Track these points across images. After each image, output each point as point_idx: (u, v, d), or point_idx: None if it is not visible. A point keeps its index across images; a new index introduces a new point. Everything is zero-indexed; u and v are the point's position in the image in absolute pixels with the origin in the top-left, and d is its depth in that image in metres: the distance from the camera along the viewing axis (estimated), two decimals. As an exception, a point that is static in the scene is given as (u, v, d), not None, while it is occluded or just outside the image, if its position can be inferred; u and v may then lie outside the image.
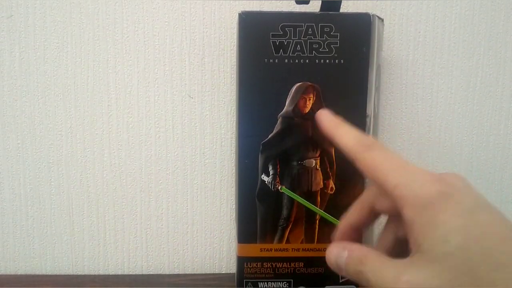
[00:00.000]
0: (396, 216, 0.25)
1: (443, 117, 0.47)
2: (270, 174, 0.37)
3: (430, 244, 0.20)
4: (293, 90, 0.36)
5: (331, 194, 0.37)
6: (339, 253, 0.24)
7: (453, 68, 0.46)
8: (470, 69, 0.46)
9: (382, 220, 0.28)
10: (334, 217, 0.37)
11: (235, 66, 0.38)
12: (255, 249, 0.38)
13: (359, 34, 0.36)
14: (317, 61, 0.36)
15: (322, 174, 0.37)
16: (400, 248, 0.26)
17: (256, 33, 0.35)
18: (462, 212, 0.20)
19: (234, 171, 0.46)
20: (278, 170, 0.37)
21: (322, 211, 0.37)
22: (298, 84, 0.36)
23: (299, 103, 0.36)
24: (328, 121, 0.28)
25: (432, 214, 0.21)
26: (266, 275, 0.38)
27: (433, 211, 0.21)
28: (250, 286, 0.39)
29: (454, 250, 0.19)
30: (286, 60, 0.36)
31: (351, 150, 0.25)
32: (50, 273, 0.47)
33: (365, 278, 0.22)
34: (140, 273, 0.48)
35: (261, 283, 0.39)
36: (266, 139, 0.37)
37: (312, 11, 0.36)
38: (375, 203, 0.26)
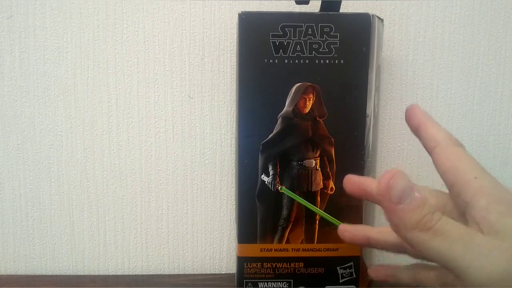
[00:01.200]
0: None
1: (443, 117, 0.47)
2: (270, 174, 0.37)
3: (510, 229, 0.21)
4: (293, 90, 0.36)
5: (331, 194, 0.37)
6: (410, 188, 0.23)
7: (453, 68, 0.46)
8: (470, 69, 0.46)
9: None
10: (334, 217, 0.37)
11: (235, 66, 0.38)
12: (255, 249, 0.38)
13: (359, 34, 0.36)
14: (317, 61, 0.36)
15: (322, 174, 0.37)
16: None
17: (256, 33, 0.35)
18: None
19: (234, 171, 0.46)
20: (278, 170, 0.37)
21: (322, 211, 0.37)
22: (298, 84, 0.36)
23: (299, 103, 0.36)
24: (420, 112, 0.28)
25: (509, 205, 0.22)
26: (266, 275, 0.38)
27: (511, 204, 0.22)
28: (250, 286, 0.39)
29: None
30: (286, 60, 0.36)
31: (442, 140, 0.26)
32: (50, 273, 0.47)
33: (433, 236, 0.22)
34: (140, 273, 0.48)
35: (261, 283, 0.39)
36: (266, 139, 0.37)
37: (312, 11, 0.36)
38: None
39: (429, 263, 0.29)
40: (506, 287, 0.20)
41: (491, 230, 0.21)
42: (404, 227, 0.22)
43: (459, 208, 0.24)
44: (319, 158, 0.37)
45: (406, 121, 0.29)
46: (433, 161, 0.26)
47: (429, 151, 0.27)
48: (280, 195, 0.37)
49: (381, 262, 0.48)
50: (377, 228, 0.31)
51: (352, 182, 0.29)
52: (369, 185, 0.28)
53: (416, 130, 0.28)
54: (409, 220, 0.22)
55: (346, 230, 0.31)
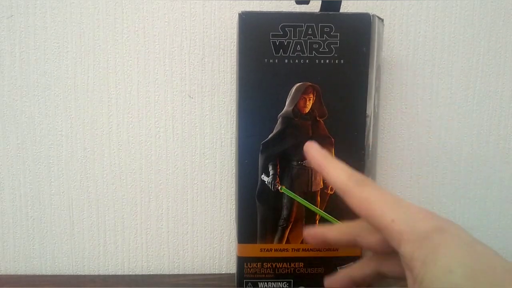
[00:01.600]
0: (382, 253, 0.26)
1: (443, 117, 0.47)
2: (270, 174, 0.37)
3: (433, 276, 0.20)
4: (293, 90, 0.36)
5: (331, 194, 0.37)
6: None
7: (453, 68, 0.46)
8: (470, 69, 0.46)
9: None
10: (334, 217, 0.37)
11: (235, 66, 0.38)
12: (255, 249, 0.38)
13: (359, 34, 0.36)
14: (317, 61, 0.36)
15: (322, 174, 0.37)
16: (375, 282, 0.26)
17: (256, 33, 0.35)
18: (461, 244, 0.20)
19: (234, 171, 0.46)
20: (278, 170, 0.37)
21: (322, 211, 0.37)
22: (298, 84, 0.36)
23: (299, 103, 0.36)
24: (317, 153, 0.27)
25: (432, 247, 0.20)
26: (266, 275, 0.38)
27: (433, 244, 0.20)
28: (250, 286, 0.39)
29: (461, 280, 0.19)
30: (286, 60, 0.36)
31: (342, 185, 0.25)
32: (50, 273, 0.47)
33: None
34: (140, 273, 0.48)
35: (261, 283, 0.39)
36: (266, 139, 0.37)
37: (312, 11, 0.36)
38: (359, 239, 0.26)
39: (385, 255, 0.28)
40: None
41: (417, 280, 0.21)
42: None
43: (403, 264, 0.23)
44: (319, 158, 0.37)
45: (307, 158, 0.28)
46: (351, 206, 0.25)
47: (339, 194, 0.26)
48: (280, 195, 0.37)
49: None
50: (333, 226, 0.29)
51: (313, 236, 0.28)
52: (328, 233, 0.28)
53: (320, 173, 0.27)
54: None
55: (308, 234, 0.30)
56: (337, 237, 0.27)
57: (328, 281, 0.29)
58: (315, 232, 0.28)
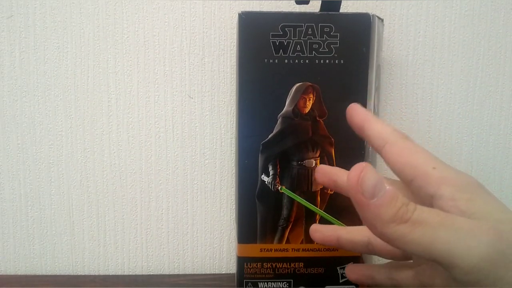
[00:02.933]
0: (395, 258, 0.27)
1: (443, 117, 0.47)
2: (270, 174, 0.37)
3: (476, 210, 0.21)
4: (293, 90, 0.36)
5: (331, 194, 0.37)
6: (381, 182, 0.21)
7: (453, 68, 0.46)
8: (470, 69, 0.46)
9: None
10: (334, 217, 0.37)
11: (235, 66, 0.38)
12: (255, 249, 0.38)
13: (359, 34, 0.36)
14: (317, 61, 0.36)
15: (322, 174, 0.37)
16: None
17: (256, 33, 0.35)
18: (495, 197, 0.22)
19: (234, 171, 0.46)
20: (278, 170, 0.37)
21: (322, 211, 0.37)
22: (298, 84, 0.36)
23: (299, 103, 0.36)
24: (361, 110, 0.28)
25: (474, 191, 0.22)
26: (266, 275, 0.38)
27: (474, 189, 0.22)
28: (250, 286, 0.39)
29: (503, 215, 0.21)
30: (286, 60, 0.36)
31: (387, 134, 0.25)
32: (50, 273, 0.47)
33: (411, 227, 0.20)
34: (140, 273, 0.48)
35: (261, 283, 0.39)
36: (266, 139, 0.37)
37: (312, 11, 0.36)
38: (373, 240, 0.27)
39: (405, 262, 0.29)
40: (496, 265, 0.20)
41: (465, 215, 0.21)
42: (380, 223, 0.21)
43: (424, 202, 0.23)
44: (319, 158, 0.37)
45: (348, 120, 0.28)
46: (385, 160, 0.25)
47: (378, 150, 0.25)
48: (280, 195, 0.37)
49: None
50: (347, 228, 0.30)
51: (324, 172, 0.28)
52: (340, 177, 0.27)
53: (360, 129, 0.27)
54: (385, 214, 0.20)
55: (317, 230, 0.30)
56: (351, 237, 0.28)
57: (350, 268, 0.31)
58: (326, 230, 0.29)
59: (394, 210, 0.20)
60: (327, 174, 0.28)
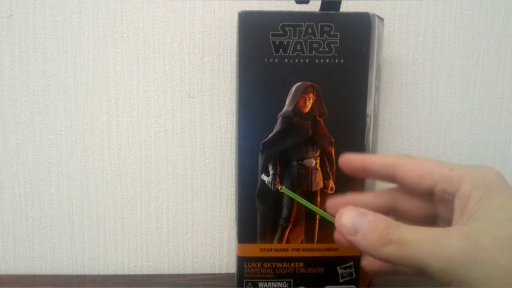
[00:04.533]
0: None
1: (443, 117, 0.47)
2: (270, 174, 0.37)
3: (486, 210, 0.22)
4: (293, 90, 0.36)
5: (331, 194, 0.37)
6: (358, 217, 0.24)
7: (453, 68, 0.46)
8: (470, 69, 0.46)
9: None
10: (334, 217, 0.37)
11: (235, 66, 0.38)
12: (255, 249, 0.38)
13: (359, 33, 0.35)
14: (317, 60, 0.36)
15: (322, 174, 0.37)
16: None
17: (256, 32, 0.35)
18: (510, 192, 0.23)
19: (234, 171, 0.46)
20: (278, 170, 0.37)
21: (322, 211, 0.37)
22: (298, 83, 0.36)
23: (299, 103, 0.36)
24: (357, 155, 0.29)
25: (489, 189, 0.23)
26: (266, 275, 0.38)
27: (490, 187, 0.23)
28: (250, 286, 0.39)
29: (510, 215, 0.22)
30: (286, 60, 0.36)
31: (398, 159, 0.27)
32: (50, 273, 0.47)
33: (395, 246, 0.23)
34: (140, 273, 0.48)
35: (261, 283, 0.39)
36: (266, 139, 0.37)
37: (312, 10, 0.36)
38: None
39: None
40: (462, 267, 0.21)
41: (470, 217, 0.23)
42: (372, 250, 0.23)
43: (450, 205, 0.25)
44: (319, 158, 0.37)
45: (345, 169, 0.29)
46: (400, 181, 0.27)
47: (390, 176, 0.27)
48: (280, 195, 0.37)
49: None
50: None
51: (351, 159, 0.29)
52: (369, 159, 0.28)
53: (362, 170, 0.28)
54: (371, 241, 0.23)
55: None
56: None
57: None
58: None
59: (377, 234, 0.23)
60: (355, 159, 0.29)
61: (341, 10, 0.36)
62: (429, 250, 0.22)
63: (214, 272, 0.48)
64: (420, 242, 0.22)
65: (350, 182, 0.36)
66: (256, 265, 0.38)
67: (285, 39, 0.35)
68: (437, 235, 0.22)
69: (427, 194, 0.26)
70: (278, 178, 0.37)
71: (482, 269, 0.21)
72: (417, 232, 0.23)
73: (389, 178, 0.27)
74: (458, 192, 0.24)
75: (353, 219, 0.24)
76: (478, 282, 0.21)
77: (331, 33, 0.35)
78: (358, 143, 0.37)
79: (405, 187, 0.27)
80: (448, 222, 0.25)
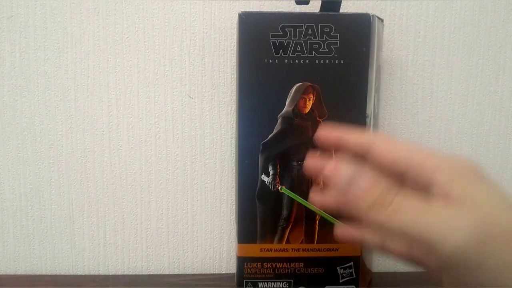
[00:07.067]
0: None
1: (443, 117, 0.47)
2: (270, 174, 0.37)
3: (474, 195, 0.22)
4: (293, 91, 0.36)
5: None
6: (357, 172, 0.23)
7: (453, 68, 0.46)
8: (470, 69, 0.46)
9: None
10: (334, 218, 0.37)
11: (235, 67, 0.38)
12: (255, 249, 0.38)
13: (359, 34, 0.36)
14: (317, 61, 0.36)
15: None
16: None
17: (256, 33, 0.35)
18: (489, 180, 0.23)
19: (234, 171, 0.46)
20: (278, 170, 0.37)
21: (322, 211, 0.37)
22: (298, 84, 0.36)
23: (299, 104, 0.36)
24: (335, 129, 0.27)
25: (471, 179, 0.22)
26: (266, 275, 0.38)
27: (471, 176, 0.22)
28: (250, 286, 0.39)
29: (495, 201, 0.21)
30: (286, 61, 0.36)
31: (376, 138, 0.25)
32: (50, 273, 0.47)
33: (393, 212, 0.22)
34: (140, 273, 0.48)
35: (261, 283, 0.39)
36: (266, 139, 0.37)
37: (312, 11, 0.36)
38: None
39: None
40: (478, 250, 0.20)
41: (456, 202, 0.22)
42: (365, 211, 0.22)
43: (420, 190, 0.24)
44: (319, 158, 0.37)
45: (322, 142, 0.27)
46: (374, 159, 0.25)
47: (364, 153, 0.25)
48: (280, 195, 0.37)
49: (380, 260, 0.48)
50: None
51: (328, 132, 0.27)
52: (347, 134, 0.27)
53: (338, 145, 0.27)
54: (366, 201, 0.22)
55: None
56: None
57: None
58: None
59: (373, 196, 0.22)
60: (331, 134, 0.27)
61: (341, 11, 0.36)
62: (438, 227, 0.21)
63: (214, 272, 0.48)
64: (426, 217, 0.21)
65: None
66: (256, 265, 0.38)
67: (285, 40, 0.35)
68: (447, 213, 0.21)
69: (398, 175, 0.25)
70: (278, 179, 0.37)
71: (501, 255, 0.20)
72: (422, 206, 0.22)
73: (362, 156, 0.26)
74: (434, 179, 0.23)
75: (352, 173, 0.23)
76: (496, 268, 0.20)
77: (331, 34, 0.35)
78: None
79: (377, 166, 0.25)
80: None
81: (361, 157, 0.26)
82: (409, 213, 0.21)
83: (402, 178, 0.25)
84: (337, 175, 0.23)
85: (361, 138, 0.26)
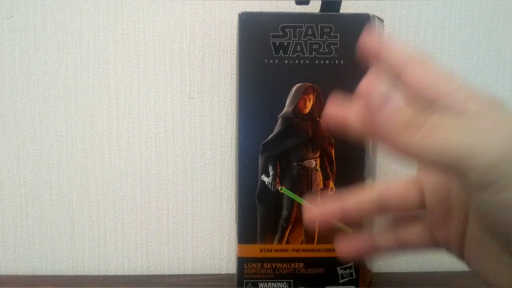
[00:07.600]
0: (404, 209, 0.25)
1: (443, 117, 0.46)
2: (270, 174, 0.37)
3: None
4: (293, 91, 0.36)
5: (331, 194, 0.37)
6: (391, 92, 0.21)
7: (453, 68, 0.46)
8: (470, 69, 0.46)
9: None
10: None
11: (235, 67, 0.38)
12: (255, 250, 0.38)
13: (359, 35, 0.35)
14: (317, 61, 0.36)
15: (322, 174, 0.37)
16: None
17: (256, 33, 0.35)
18: None
19: (234, 171, 0.46)
20: (278, 170, 0.37)
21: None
22: (298, 84, 0.36)
23: (299, 104, 0.36)
24: (378, 38, 0.26)
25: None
26: (266, 276, 0.38)
27: (498, 109, 0.20)
28: (250, 286, 0.39)
29: None
30: (286, 61, 0.36)
31: (414, 56, 0.23)
32: (50, 274, 0.47)
33: (425, 133, 0.20)
34: (140, 274, 0.48)
35: (261, 283, 0.39)
36: (266, 139, 0.37)
37: (312, 11, 0.36)
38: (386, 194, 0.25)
39: (414, 214, 0.26)
40: (509, 167, 0.19)
41: (490, 124, 0.20)
42: (393, 133, 0.21)
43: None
44: (319, 159, 0.37)
45: (362, 48, 0.25)
46: (406, 82, 0.23)
47: (398, 73, 0.23)
48: (280, 195, 0.37)
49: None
50: (350, 194, 0.27)
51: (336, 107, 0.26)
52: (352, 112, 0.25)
53: (377, 55, 0.25)
54: (397, 122, 0.21)
55: (314, 213, 0.27)
56: (357, 199, 0.26)
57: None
58: (324, 207, 0.26)
59: (407, 117, 0.20)
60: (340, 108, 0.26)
61: (341, 11, 0.36)
62: (473, 140, 0.19)
63: (214, 273, 0.48)
64: (460, 132, 0.19)
65: (350, 183, 0.36)
66: (256, 265, 0.38)
67: (285, 40, 0.35)
68: (483, 124, 0.19)
69: (429, 102, 0.23)
70: (278, 179, 0.37)
71: None
72: (457, 121, 0.20)
73: (397, 74, 0.24)
74: (465, 108, 0.21)
75: (387, 90, 0.21)
76: None
77: (331, 34, 0.35)
78: (358, 144, 0.37)
79: (408, 90, 0.23)
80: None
81: (394, 78, 0.24)
82: (444, 130, 0.20)
83: (432, 105, 0.22)
84: (372, 91, 0.22)
85: (402, 52, 0.24)
